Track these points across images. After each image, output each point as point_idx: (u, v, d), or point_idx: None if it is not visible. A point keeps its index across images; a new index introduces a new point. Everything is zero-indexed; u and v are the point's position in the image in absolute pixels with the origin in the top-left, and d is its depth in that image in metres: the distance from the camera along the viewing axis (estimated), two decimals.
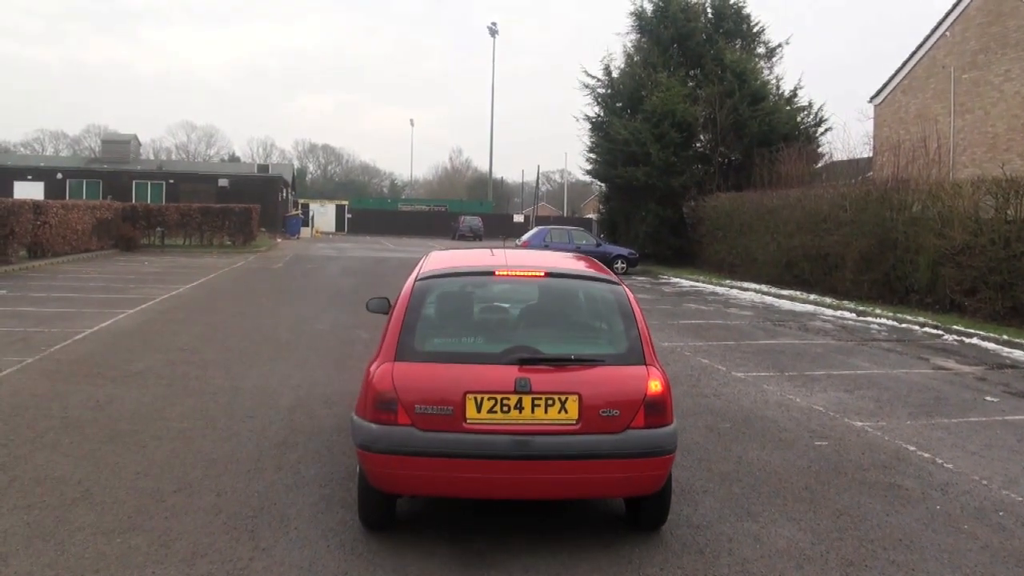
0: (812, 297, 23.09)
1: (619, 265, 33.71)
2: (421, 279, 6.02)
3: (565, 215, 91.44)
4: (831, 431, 8.89)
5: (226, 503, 6.24)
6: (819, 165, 34.25)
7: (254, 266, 30.99)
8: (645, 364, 5.61)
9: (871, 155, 32.50)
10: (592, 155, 39.66)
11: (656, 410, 5.43)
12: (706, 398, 10.34)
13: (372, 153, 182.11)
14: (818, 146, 35.70)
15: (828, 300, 22.25)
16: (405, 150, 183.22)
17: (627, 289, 6.18)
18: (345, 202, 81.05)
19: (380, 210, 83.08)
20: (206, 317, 16.44)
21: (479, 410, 5.28)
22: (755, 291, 25.50)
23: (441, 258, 6.72)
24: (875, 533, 6.04)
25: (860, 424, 9.21)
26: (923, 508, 6.60)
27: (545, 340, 5.74)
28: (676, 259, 35.77)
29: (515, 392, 5.29)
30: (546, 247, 31.57)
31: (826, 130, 36.82)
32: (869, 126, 34.94)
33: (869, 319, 19.11)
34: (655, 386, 5.49)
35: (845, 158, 32.08)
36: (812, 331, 16.96)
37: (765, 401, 10.26)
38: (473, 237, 64.67)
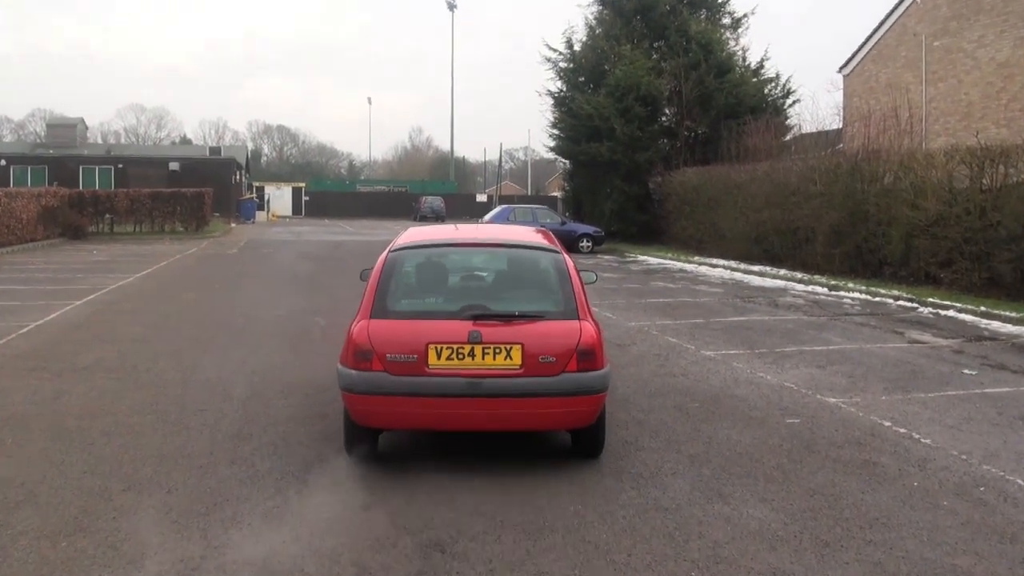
0: (782, 272, 23.21)
1: (584, 244, 33.75)
2: (393, 251, 7.42)
3: (529, 194, 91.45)
4: (803, 408, 8.91)
5: (177, 500, 6.13)
6: (788, 138, 34.36)
7: (208, 252, 30.68)
8: (579, 319, 6.88)
9: (841, 126, 32.68)
10: (555, 131, 39.59)
11: (587, 357, 6.68)
12: (674, 377, 10.34)
13: (330, 134, 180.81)
14: (786, 118, 35.85)
15: (799, 275, 22.37)
16: (364, 131, 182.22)
17: (567, 257, 7.43)
18: (302, 184, 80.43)
19: (339, 192, 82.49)
20: (157, 306, 16.25)
21: (439, 357, 6.58)
22: (724, 267, 25.59)
23: (413, 233, 8.09)
24: (850, 512, 6.04)
25: (833, 400, 9.25)
26: (900, 485, 6.62)
27: (495, 300, 7.19)
28: (643, 236, 35.83)
29: (468, 343, 6.60)
30: None
31: (794, 102, 37.00)
32: (838, 97, 35.17)
33: (842, 293, 19.24)
34: (587, 337, 6.73)
35: (814, 130, 32.18)
36: (783, 307, 17.04)
37: (735, 379, 10.27)
38: (435, 218, 64.45)
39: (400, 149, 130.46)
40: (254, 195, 67.59)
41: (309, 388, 9.50)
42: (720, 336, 13.43)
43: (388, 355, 6.60)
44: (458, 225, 9.72)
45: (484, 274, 7.94)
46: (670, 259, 29.40)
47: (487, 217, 36.05)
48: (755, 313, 16.15)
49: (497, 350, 6.61)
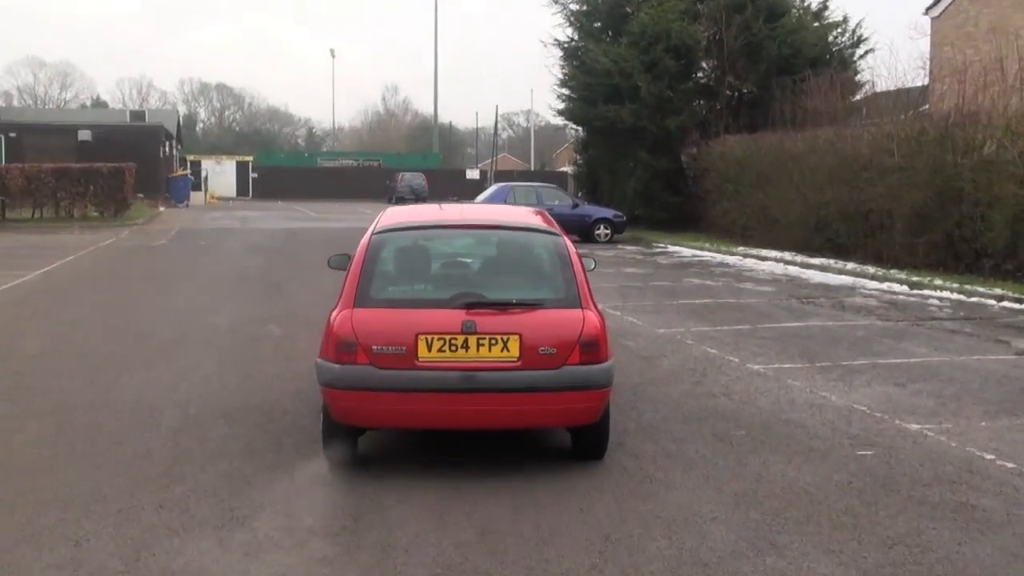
0: (850, 266, 23.23)
1: (602, 231, 33.81)
2: (377, 233, 8.20)
3: (533, 169, 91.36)
4: (878, 437, 8.90)
5: (88, 555, 6.11)
6: (858, 97, 34.38)
7: (129, 243, 30.68)
8: (581, 308, 7.69)
9: (927, 83, 32.58)
10: (565, 91, 39.65)
11: (591, 349, 7.49)
12: (714, 398, 10.34)
13: (284, 95, 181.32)
14: (856, 73, 35.88)
15: (871, 269, 22.40)
16: (326, 91, 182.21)
17: (566, 239, 8.28)
18: (249, 158, 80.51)
19: (295, 168, 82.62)
20: (63, 312, 16.26)
21: (430, 349, 7.33)
22: (776, 260, 25.63)
23: (394, 213, 9.03)
24: (943, 569, 6.02)
25: (917, 427, 9.23)
26: (1009, 534, 6.60)
27: (490, 286, 8.02)
28: (674, 222, 35.86)
29: (462, 333, 7.34)
30: None
31: (867, 52, 36.98)
32: (924, 45, 35.09)
33: (926, 292, 19.25)
34: (590, 327, 7.55)
35: (892, 87, 32.14)
36: (851, 309, 17.05)
37: (791, 401, 10.27)
38: (415, 199, 64.43)
39: (371, 114, 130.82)
40: (188, 172, 67.56)
41: (259, 415, 9.49)
42: (771, 346, 13.43)
43: (374, 347, 7.35)
44: (442, 205, 10.79)
45: (477, 259, 8.76)
46: (708, 250, 29.40)
47: (480, 198, 36.00)
48: (815, 317, 16.15)
49: (493, 341, 7.35)
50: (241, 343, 13.47)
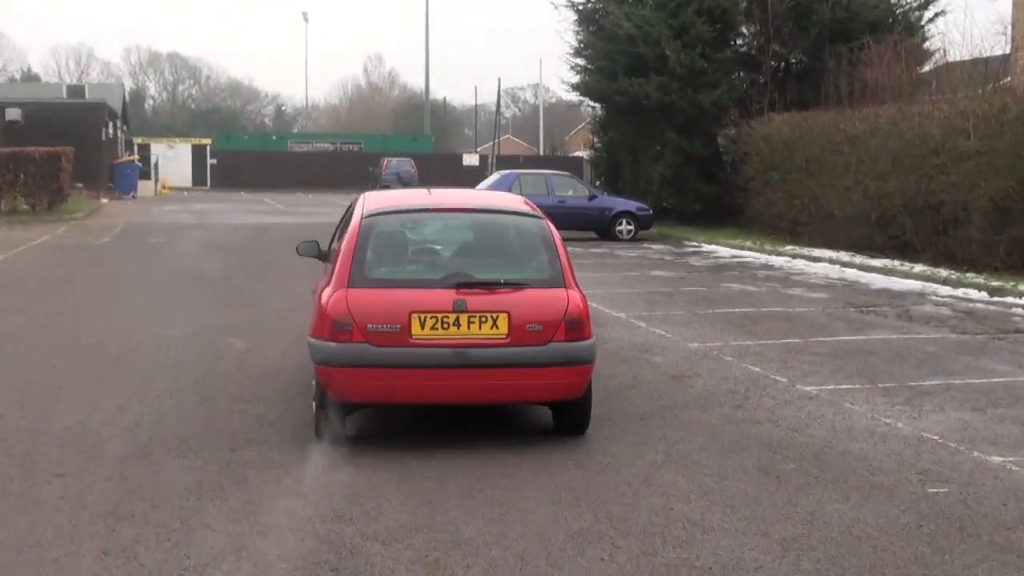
0: (918, 269, 23.24)
1: (624, 227, 33.87)
2: (367, 216, 9.80)
3: (542, 154, 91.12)
4: (953, 471, 8.88)
5: None
6: (927, 69, 34.32)
7: (67, 241, 30.73)
8: (565, 288, 9.45)
9: (1007, 51, 32.49)
10: (580, 61, 39.74)
11: (575, 326, 9.23)
12: (758, 424, 10.35)
13: (248, 67, 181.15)
14: (924, 39, 35.83)
15: (943, 273, 22.39)
16: (297, 61, 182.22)
17: (549, 223, 10.05)
18: (207, 142, 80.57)
19: (261, 152, 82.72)
20: None
21: (423, 327, 8.98)
22: (831, 262, 25.66)
23: (380, 197, 10.83)
24: None
25: (999, 460, 9.22)
26: None
27: (479, 267, 9.77)
28: (709, 216, 35.91)
29: (453, 311, 9.01)
30: None
31: (937, 15, 37.02)
32: (1004, 7, 34.91)
33: (1009, 299, 19.28)
34: (574, 306, 9.31)
35: (967, 57, 32.09)
36: (920, 320, 17.05)
37: (849, 428, 10.26)
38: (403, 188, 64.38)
39: (351, 88, 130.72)
40: (136, 157, 67.54)
41: (220, 443, 9.51)
42: (825, 364, 13.42)
43: (369, 326, 8.95)
44: (431, 190, 12.60)
45: (465, 241, 10.66)
46: (750, 249, 29.41)
47: (481, 187, 35.75)
48: (878, 329, 16.15)
49: (483, 319, 9.02)
50: (199, 359, 13.44)
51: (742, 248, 29.98)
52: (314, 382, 9.47)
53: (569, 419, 9.71)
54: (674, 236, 34.14)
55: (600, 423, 10.03)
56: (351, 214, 10.38)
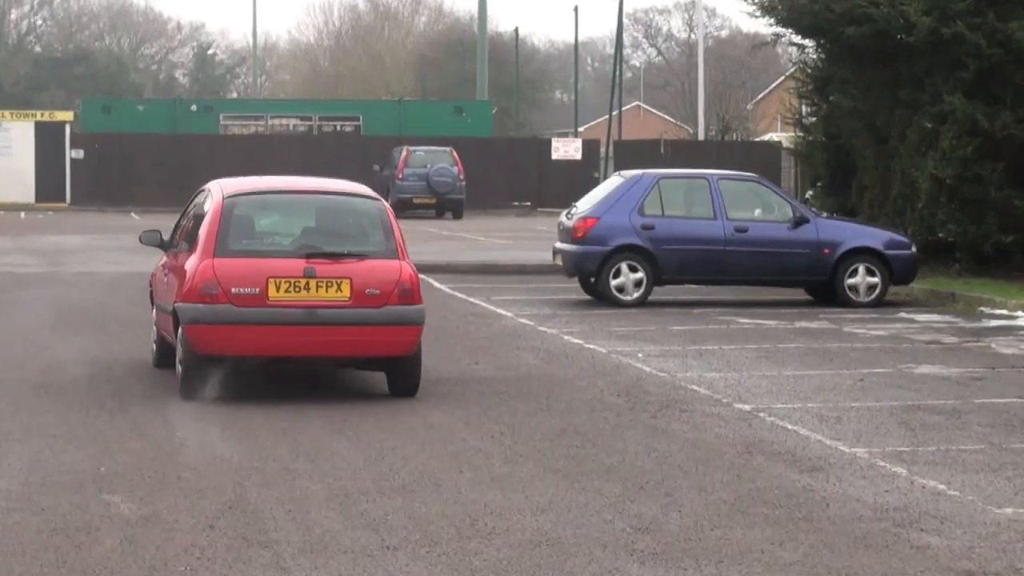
0: None
1: (861, 279, 20.43)
2: (228, 197, 11.87)
3: (702, 136, 59.88)
4: None
5: None
6: None
7: None
8: (399, 260, 11.67)
9: None
10: None
11: (406, 292, 11.49)
12: None
13: None
14: None
15: None
16: None
17: (386, 205, 12.71)
18: (67, 117, 55.00)
19: (169, 137, 55.10)
20: None
21: (278, 290, 11.17)
22: None
23: (235, 182, 12.93)
24: None
25: None
26: None
27: (326, 241, 12.01)
28: None
29: (304, 277, 11.21)
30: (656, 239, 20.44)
31: None
32: None
33: None
34: (405, 275, 11.56)
35: None
36: None
37: None
38: (437, 214, 46.20)
39: (340, 14, 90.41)
40: None
41: None
42: None
43: (233, 289, 11.14)
44: (282, 177, 16.23)
45: (314, 218, 12.77)
46: None
47: (588, 201, 22.03)
48: None
49: (329, 284, 11.31)
50: (48, 540, 6.67)
51: None
52: (179, 345, 11.44)
53: (402, 381, 11.86)
54: (960, 295, 21.11)
55: None
56: (202, 200, 12.66)
